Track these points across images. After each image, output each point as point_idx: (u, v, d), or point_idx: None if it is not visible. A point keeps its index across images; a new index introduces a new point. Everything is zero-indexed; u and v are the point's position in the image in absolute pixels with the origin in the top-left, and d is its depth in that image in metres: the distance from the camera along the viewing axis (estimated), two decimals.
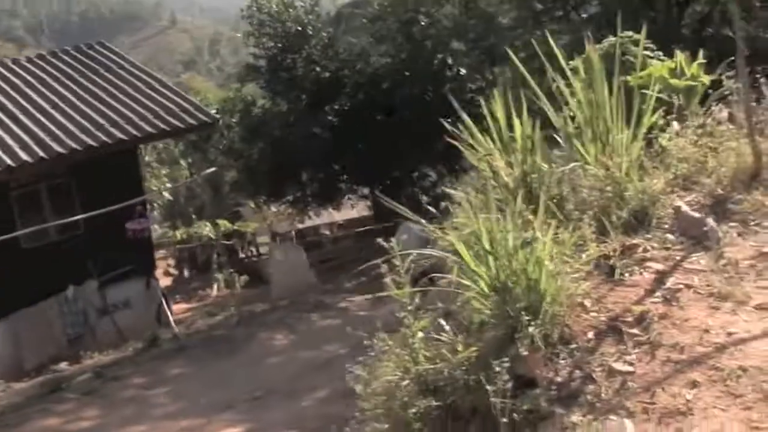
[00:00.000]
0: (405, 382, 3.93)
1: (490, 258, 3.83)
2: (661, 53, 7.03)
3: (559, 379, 3.54)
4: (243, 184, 30.77)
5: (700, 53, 6.44)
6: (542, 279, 3.74)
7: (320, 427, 8.54)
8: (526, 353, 3.56)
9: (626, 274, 4.17)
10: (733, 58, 5.53)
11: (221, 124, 25.41)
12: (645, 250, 4.36)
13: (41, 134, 15.43)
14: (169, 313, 16.84)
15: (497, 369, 3.41)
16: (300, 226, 34.70)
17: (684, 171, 5.07)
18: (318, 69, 27.05)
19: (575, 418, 3.26)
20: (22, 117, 16.08)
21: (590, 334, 3.75)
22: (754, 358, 3.34)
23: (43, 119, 16.02)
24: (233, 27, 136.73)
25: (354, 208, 33.59)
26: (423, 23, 26.13)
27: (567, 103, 5.47)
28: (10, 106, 16.57)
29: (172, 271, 32.52)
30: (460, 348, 3.88)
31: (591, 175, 4.91)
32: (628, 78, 5.56)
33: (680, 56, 6.27)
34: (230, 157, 30.28)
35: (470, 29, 25.89)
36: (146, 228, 17.07)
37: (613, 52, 5.49)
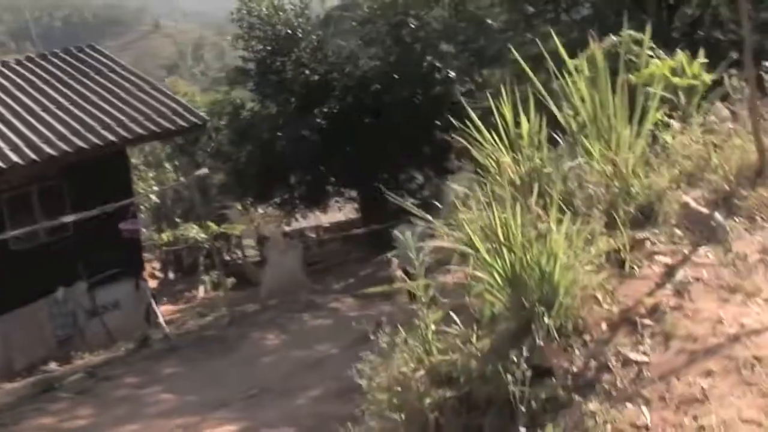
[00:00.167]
0: (419, 374, 3.96)
1: (505, 250, 3.87)
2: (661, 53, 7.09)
3: (575, 369, 3.58)
4: (231, 187, 30.64)
5: (701, 53, 6.51)
6: (556, 271, 3.79)
7: (315, 424, 8.60)
8: (542, 344, 3.60)
9: (636, 268, 4.22)
10: (732, 58, 5.61)
11: (209, 126, 25.34)
12: (653, 245, 4.42)
13: (32, 137, 15.31)
14: (159, 314, 16.79)
15: (515, 359, 3.45)
16: (286, 228, 34.55)
17: (688, 168, 5.13)
18: (307, 72, 26.99)
19: (593, 405, 3.30)
20: (12, 119, 15.96)
21: (604, 326, 3.80)
22: None
23: (33, 122, 15.91)
24: (218, 31, 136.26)
25: (341, 211, 33.50)
26: (412, 26, 26.13)
27: (569, 101, 5.53)
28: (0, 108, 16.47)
29: (158, 273, 32.31)
30: (473, 339, 3.93)
31: (597, 171, 4.97)
32: (631, 76, 5.62)
33: (681, 55, 6.34)
34: (218, 159, 30.13)
35: (460, 32, 25.91)
36: (138, 229, 17.06)
37: (615, 51, 5.56)
